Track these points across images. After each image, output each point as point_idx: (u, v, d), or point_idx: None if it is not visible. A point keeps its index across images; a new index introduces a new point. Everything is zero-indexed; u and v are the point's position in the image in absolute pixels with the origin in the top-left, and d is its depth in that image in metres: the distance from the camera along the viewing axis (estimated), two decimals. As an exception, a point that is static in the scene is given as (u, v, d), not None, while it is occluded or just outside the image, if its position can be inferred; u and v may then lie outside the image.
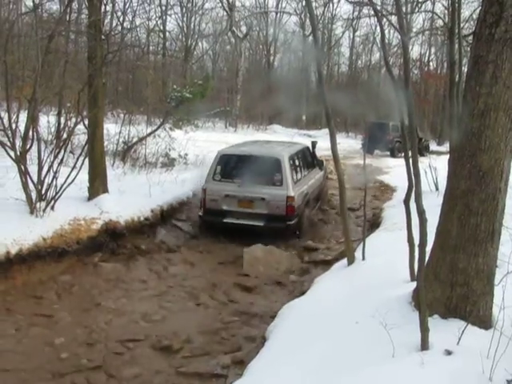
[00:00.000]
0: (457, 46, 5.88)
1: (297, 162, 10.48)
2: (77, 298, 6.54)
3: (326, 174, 13.58)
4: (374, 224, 9.86)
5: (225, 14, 39.98)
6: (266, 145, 11.98)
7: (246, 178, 9.20)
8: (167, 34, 40.21)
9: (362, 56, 50.51)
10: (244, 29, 40.98)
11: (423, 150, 25.50)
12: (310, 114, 40.64)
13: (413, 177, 4.42)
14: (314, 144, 12.23)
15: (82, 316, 6.03)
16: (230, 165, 9.91)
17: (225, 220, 9.14)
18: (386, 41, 36.36)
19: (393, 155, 24.06)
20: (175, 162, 13.96)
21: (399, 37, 38.74)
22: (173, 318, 6.08)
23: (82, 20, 16.87)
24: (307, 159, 11.51)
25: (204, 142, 18.30)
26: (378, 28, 9.94)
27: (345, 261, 6.30)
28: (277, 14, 45.60)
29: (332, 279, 5.85)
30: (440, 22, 33.02)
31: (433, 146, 32.13)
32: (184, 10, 41.34)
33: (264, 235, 8.88)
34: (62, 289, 6.71)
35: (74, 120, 8.73)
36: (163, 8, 38.23)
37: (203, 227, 9.75)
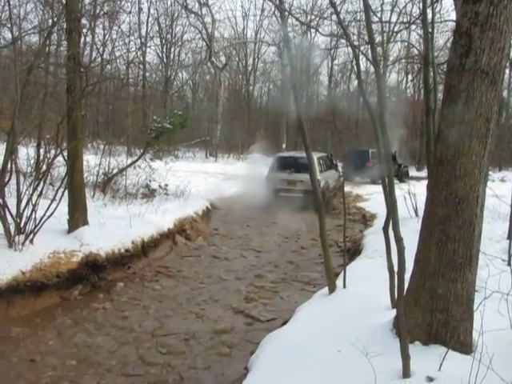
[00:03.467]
0: (432, 73, 6.01)
1: (321, 162, 17.13)
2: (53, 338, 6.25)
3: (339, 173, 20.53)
4: (355, 251, 9.90)
5: (204, 44, 40.39)
6: (301, 152, 16.27)
7: (292, 169, 16.48)
8: (147, 64, 40.45)
9: (340, 84, 51.21)
10: (223, 59, 41.35)
11: (403, 176, 25.82)
12: (291, 142, 41.03)
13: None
14: (331, 154, 21.22)
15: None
16: (281, 162, 17.43)
17: (285, 194, 13.59)
18: (364, 69, 36.97)
19: (373, 182, 24.35)
20: (156, 192, 13.96)
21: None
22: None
23: (62, 52, 16.91)
24: (327, 162, 18.77)
25: (184, 173, 18.37)
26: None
27: (326, 289, 6.30)
28: (255, 44, 46.12)
29: (313, 308, 5.84)
30: (416, 51, 33.68)
31: (412, 172, 32.51)
32: (163, 41, 41.72)
33: (301, 202, 14.53)
34: (40, 326, 6.55)
35: (53, 152, 8.72)
36: (143, 40, 38.54)
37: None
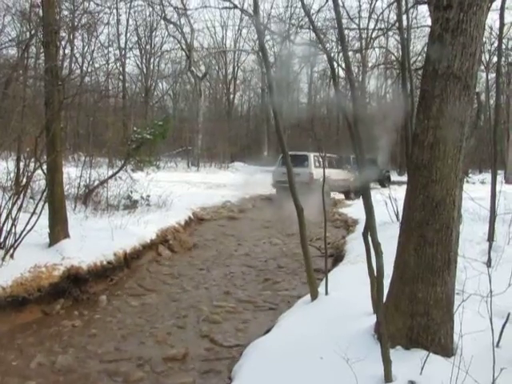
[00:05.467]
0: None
1: (320, 160, 20.03)
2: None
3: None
4: (337, 257, 9.94)
5: (183, 54, 40.46)
6: (301, 152, 20.99)
7: (293, 163, 15.95)
8: (127, 75, 40.39)
9: (320, 91, 51.49)
10: (203, 68, 41.44)
11: (384, 181, 25.98)
12: (272, 149, 41.12)
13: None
14: (340, 157, 23.13)
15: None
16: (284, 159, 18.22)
17: (282, 185, 13.39)
18: (343, 75, 37.16)
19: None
20: (138, 203, 13.90)
21: (355, 70, 39.74)
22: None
23: (40, 64, 16.86)
24: (332, 162, 21.81)
25: (166, 183, 18.30)
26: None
27: (308, 296, 6.32)
28: (235, 52, 46.29)
29: (296, 315, 5.84)
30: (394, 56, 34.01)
31: (394, 177, 32.71)
32: (143, 51, 41.75)
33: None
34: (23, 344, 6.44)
35: (32, 165, 8.66)
36: (122, 51, 38.52)
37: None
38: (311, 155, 21.01)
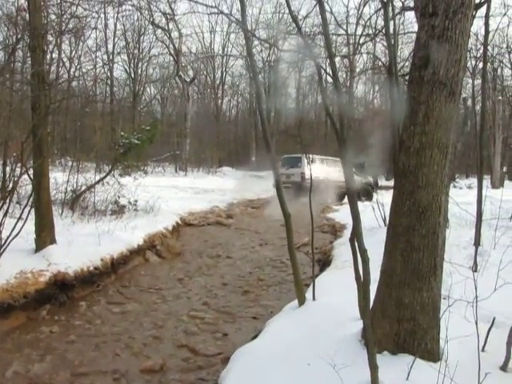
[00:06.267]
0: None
1: (316, 161, 21.69)
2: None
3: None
4: (325, 262, 9.95)
5: (171, 59, 40.46)
6: (300, 154, 21.76)
7: (289, 164, 22.49)
8: (114, 80, 40.30)
9: (308, 96, 51.63)
10: (191, 73, 41.44)
11: (370, 192, 26.05)
12: (260, 154, 41.14)
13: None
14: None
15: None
16: (284, 161, 22.99)
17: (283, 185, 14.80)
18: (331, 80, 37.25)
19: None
20: (125, 209, 13.86)
21: (343, 75, 39.91)
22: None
23: (27, 69, 16.78)
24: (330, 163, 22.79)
25: (154, 188, 18.29)
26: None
27: (296, 302, 6.31)
28: (223, 57, 46.34)
29: (283, 321, 5.83)
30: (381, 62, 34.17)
31: (381, 181, 32.80)
32: (131, 56, 41.69)
33: (294, 190, 18.00)
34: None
35: (19, 170, 8.61)
36: (110, 55, 38.45)
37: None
38: (303, 156, 22.19)
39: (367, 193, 26.12)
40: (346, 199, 17.04)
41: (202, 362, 5.99)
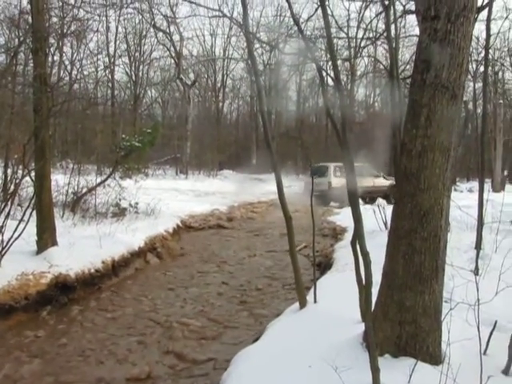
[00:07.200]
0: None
1: (337, 169, 23.10)
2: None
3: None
4: (326, 265, 9.94)
5: (173, 62, 40.50)
6: (326, 163, 24.45)
7: (317, 173, 22.52)
8: (116, 83, 40.33)
9: (309, 99, 51.63)
10: (192, 76, 41.47)
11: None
12: (261, 157, 41.15)
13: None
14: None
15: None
16: (312, 170, 23.28)
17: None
18: (332, 83, 37.34)
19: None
20: (126, 211, 13.86)
21: (344, 79, 39.90)
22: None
23: (29, 71, 16.80)
24: (361, 170, 20.90)
25: (155, 190, 18.31)
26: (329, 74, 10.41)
27: (297, 304, 6.31)
28: (224, 60, 46.38)
29: (285, 324, 5.83)
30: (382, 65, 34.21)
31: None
32: (132, 59, 41.69)
33: (322, 197, 21.49)
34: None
35: (20, 173, 8.63)
36: (111, 58, 38.48)
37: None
38: (331, 165, 23.80)
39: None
40: (376, 201, 17.24)
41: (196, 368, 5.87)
